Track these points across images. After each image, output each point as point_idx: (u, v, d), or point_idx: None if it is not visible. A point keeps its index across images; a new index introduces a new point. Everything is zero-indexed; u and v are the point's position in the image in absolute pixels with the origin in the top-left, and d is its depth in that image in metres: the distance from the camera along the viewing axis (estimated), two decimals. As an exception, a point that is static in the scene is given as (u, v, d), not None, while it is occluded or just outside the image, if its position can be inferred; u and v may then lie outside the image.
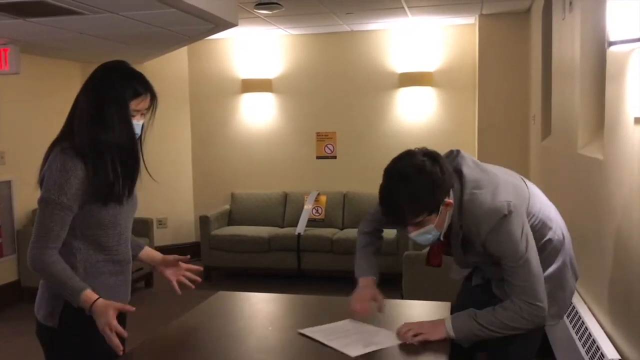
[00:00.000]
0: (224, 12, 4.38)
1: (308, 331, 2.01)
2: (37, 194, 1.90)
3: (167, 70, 6.85)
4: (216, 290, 2.69)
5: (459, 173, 1.92)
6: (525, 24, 5.75)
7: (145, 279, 6.00)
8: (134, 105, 1.93)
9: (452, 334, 1.90)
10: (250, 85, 6.81)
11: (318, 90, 6.71)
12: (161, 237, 6.75)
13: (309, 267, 5.96)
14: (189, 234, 7.11)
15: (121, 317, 2.07)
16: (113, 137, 1.88)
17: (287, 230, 6.23)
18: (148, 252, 2.30)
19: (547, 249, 2.03)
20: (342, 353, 1.83)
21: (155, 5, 3.82)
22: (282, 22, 6.02)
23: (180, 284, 2.29)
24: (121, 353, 1.81)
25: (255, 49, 6.83)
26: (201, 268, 2.17)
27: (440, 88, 6.40)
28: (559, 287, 2.07)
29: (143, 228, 6.04)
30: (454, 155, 2.00)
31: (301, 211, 6.34)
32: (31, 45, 5.08)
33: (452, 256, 2.08)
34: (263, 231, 6.21)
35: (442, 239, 1.95)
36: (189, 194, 7.16)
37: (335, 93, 6.66)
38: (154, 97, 2.00)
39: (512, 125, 5.85)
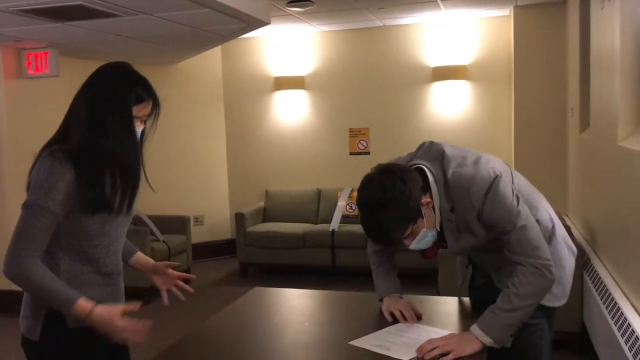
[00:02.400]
0: (257, 11, 4.41)
1: (358, 342, 1.93)
2: None
3: (202, 69, 6.95)
4: (252, 286, 2.71)
5: (441, 154, 1.94)
6: (561, 15, 5.62)
7: (183, 276, 6.10)
8: (135, 111, 1.80)
9: (485, 339, 1.82)
10: (283, 83, 6.84)
11: (350, 86, 6.70)
12: (198, 234, 6.85)
13: (344, 264, 5.97)
14: (225, 230, 7.20)
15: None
16: (113, 145, 1.75)
17: (321, 226, 6.25)
18: (139, 258, 2.15)
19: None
20: (395, 358, 1.78)
21: (189, 6, 3.87)
22: (314, 19, 6.03)
23: (170, 294, 2.17)
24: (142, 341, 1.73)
25: (288, 47, 6.86)
26: (194, 276, 2.09)
27: (475, 81, 6.31)
28: (558, 266, 2.05)
29: (180, 225, 6.16)
30: (427, 145, 2.03)
31: (335, 207, 6.35)
32: (70, 48, 5.21)
33: (447, 247, 2.05)
34: (297, 228, 6.25)
35: (438, 229, 1.94)
36: (225, 191, 7.25)
37: (368, 88, 6.64)
38: (156, 104, 1.86)
39: (550, 118, 5.73)
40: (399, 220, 1.81)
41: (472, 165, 1.90)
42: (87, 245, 1.79)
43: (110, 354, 1.92)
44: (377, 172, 1.89)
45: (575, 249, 2.18)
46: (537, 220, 1.99)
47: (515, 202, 1.87)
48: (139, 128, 1.86)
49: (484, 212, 1.86)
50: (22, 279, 1.68)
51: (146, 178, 1.92)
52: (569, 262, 2.13)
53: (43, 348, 1.80)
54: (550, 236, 2.06)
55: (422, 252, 2.06)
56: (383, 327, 2.04)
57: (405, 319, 2.07)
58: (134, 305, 1.77)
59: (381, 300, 2.21)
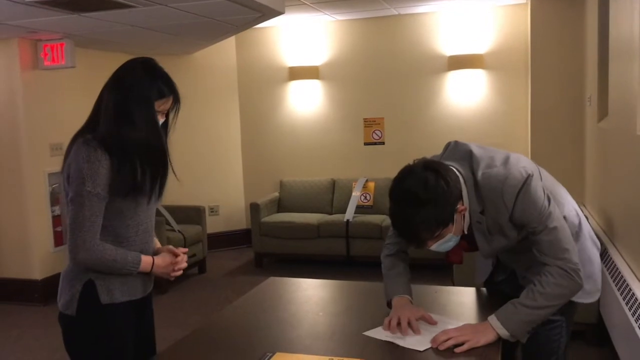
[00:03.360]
0: (271, 1, 4.39)
1: (373, 333, 1.94)
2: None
3: (216, 60, 6.96)
4: (267, 276, 2.73)
5: (469, 155, 1.90)
6: (580, 2, 5.53)
7: (199, 265, 6.15)
8: (156, 105, 1.93)
9: (502, 331, 1.80)
10: (297, 73, 6.82)
11: (365, 75, 6.67)
12: (213, 224, 6.90)
13: (358, 254, 5.98)
14: (240, 221, 7.23)
15: (148, 315, 2.13)
16: (139, 136, 1.89)
17: (335, 217, 6.25)
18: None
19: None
20: (410, 349, 1.79)
21: (203, -4, 3.87)
22: (328, 8, 6.00)
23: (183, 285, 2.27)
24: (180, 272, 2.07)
25: (302, 36, 6.84)
26: (184, 265, 2.11)
27: (491, 70, 6.25)
28: (587, 262, 2.03)
29: (196, 215, 6.20)
30: (452, 145, 1.98)
31: (349, 198, 6.35)
32: (85, 39, 5.24)
33: (478, 250, 2.00)
34: (312, 218, 6.25)
35: (466, 232, 1.90)
36: (240, 181, 7.27)
37: (383, 78, 6.61)
38: (177, 100, 2.00)
39: (567, 107, 5.66)
40: (433, 221, 1.76)
41: (502, 165, 1.86)
42: (119, 225, 1.94)
43: (138, 332, 2.06)
44: (421, 166, 1.81)
45: (599, 244, 2.14)
46: (564, 217, 1.95)
47: (546, 202, 1.84)
48: (159, 121, 1.97)
49: (515, 211, 1.82)
50: (95, 260, 1.87)
51: (172, 169, 2.06)
52: (596, 257, 2.10)
53: (78, 322, 1.94)
54: (577, 232, 2.03)
55: (447, 256, 2.03)
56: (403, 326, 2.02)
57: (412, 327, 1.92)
58: (182, 251, 2.09)
59: (388, 304, 2.07)
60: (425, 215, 1.74)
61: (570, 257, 1.83)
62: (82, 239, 1.85)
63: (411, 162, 1.86)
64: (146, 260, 1.98)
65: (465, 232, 1.90)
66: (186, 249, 2.13)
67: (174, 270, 2.06)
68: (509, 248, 1.97)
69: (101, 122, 1.90)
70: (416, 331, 1.89)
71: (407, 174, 1.81)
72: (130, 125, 1.88)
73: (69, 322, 1.96)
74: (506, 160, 1.88)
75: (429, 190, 1.74)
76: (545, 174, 2.07)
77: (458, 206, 1.81)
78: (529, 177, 1.82)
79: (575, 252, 1.85)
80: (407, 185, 1.77)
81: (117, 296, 1.95)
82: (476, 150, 1.91)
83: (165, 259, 2.05)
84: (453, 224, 1.82)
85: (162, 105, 1.95)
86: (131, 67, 1.95)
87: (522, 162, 1.90)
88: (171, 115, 2.03)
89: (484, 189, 1.84)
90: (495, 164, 1.87)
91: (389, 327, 1.92)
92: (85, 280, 1.92)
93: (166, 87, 1.95)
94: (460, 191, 1.83)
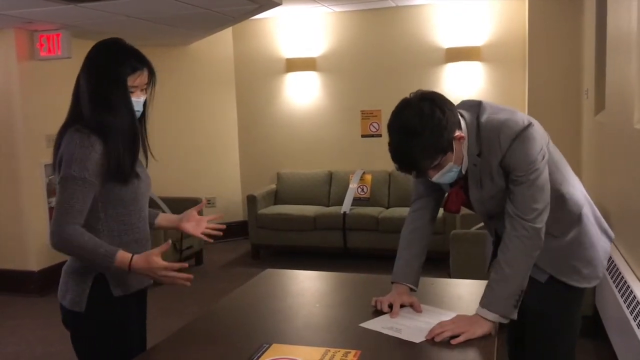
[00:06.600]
0: (268, -8, 4.38)
1: (369, 324, 1.94)
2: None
3: (213, 51, 6.93)
4: (264, 267, 2.73)
5: (477, 104, 1.93)
6: (578, -6, 5.53)
7: (196, 257, 6.15)
8: (131, 81, 1.89)
9: (492, 316, 1.82)
10: (294, 65, 6.81)
11: (362, 67, 6.66)
12: (210, 216, 6.87)
13: (355, 246, 5.98)
14: (237, 212, 7.23)
15: (141, 307, 2.09)
16: (116, 116, 1.86)
17: (332, 209, 6.26)
18: (166, 217, 2.28)
19: (566, 206, 1.96)
20: (406, 341, 1.79)
21: (200, -13, 3.85)
22: None
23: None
24: (189, 283, 1.88)
25: (299, 28, 6.81)
26: (222, 215, 2.18)
27: (489, 63, 6.24)
28: (588, 246, 2.01)
29: (192, 207, 6.16)
30: (461, 102, 2.02)
31: (346, 190, 6.35)
32: (82, 29, 5.21)
33: (471, 204, 2.00)
34: (309, 210, 6.26)
35: (463, 172, 1.91)
36: (236, 173, 7.27)
37: (380, 70, 6.59)
38: (152, 72, 1.96)
39: (564, 100, 5.67)
40: (430, 149, 1.77)
41: (508, 113, 1.88)
42: (123, 213, 1.93)
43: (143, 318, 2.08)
44: (417, 98, 1.84)
45: (611, 233, 2.12)
46: (563, 194, 1.96)
47: (540, 157, 1.83)
48: (140, 97, 1.95)
49: (507, 155, 1.83)
50: (63, 243, 1.80)
51: (148, 147, 2.02)
52: (603, 243, 2.07)
53: (89, 318, 1.90)
54: (580, 214, 2.01)
55: (445, 205, 2.02)
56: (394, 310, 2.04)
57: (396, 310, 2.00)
58: (166, 245, 1.87)
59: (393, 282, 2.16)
60: (422, 143, 1.75)
61: (536, 217, 1.83)
62: (57, 224, 1.79)
63: (408, 95, 1.88)
64: (122, 258, 1.82)
65: (463, 172, 1.90)
66: (185, 264, 1.91)
67: (162, 277, 1.86)
68: (499, 204, 1.94)
69: (83, 110, 1.88)
70: (394, 314, 1.97)
71: (404, 106, 1.83)
72: (109, 110, 1.86)
73: (78, 319, 1.91)
74: (514, 111, 1.91)
75: (424, 120, 1.75)
76: (557, 152, 2.05)
77: (456, 133, 1.81)
78: (530, 125, 1.83)
79: (545, 214, 1.85)
80: (403, 117, 1.80)
81: (132, 284, 1.94)
82: (486, 101, 1.95)
83: (147, 260, 1.83)
84: (452, 152, 1.82)
85: (137, 80, 1.91)
86: (99, 50, 1.94)
87: (529, 118, 1.89)
88: (149, 91, 1.99)
89: (484, 130, 1.86)
90: (500, 113, 1.89)
91: (377, 305, 2.04)
92: (96, 274, 1.89)
93: (137, 61, 1.91)
94: (459, 119, 1.84)
